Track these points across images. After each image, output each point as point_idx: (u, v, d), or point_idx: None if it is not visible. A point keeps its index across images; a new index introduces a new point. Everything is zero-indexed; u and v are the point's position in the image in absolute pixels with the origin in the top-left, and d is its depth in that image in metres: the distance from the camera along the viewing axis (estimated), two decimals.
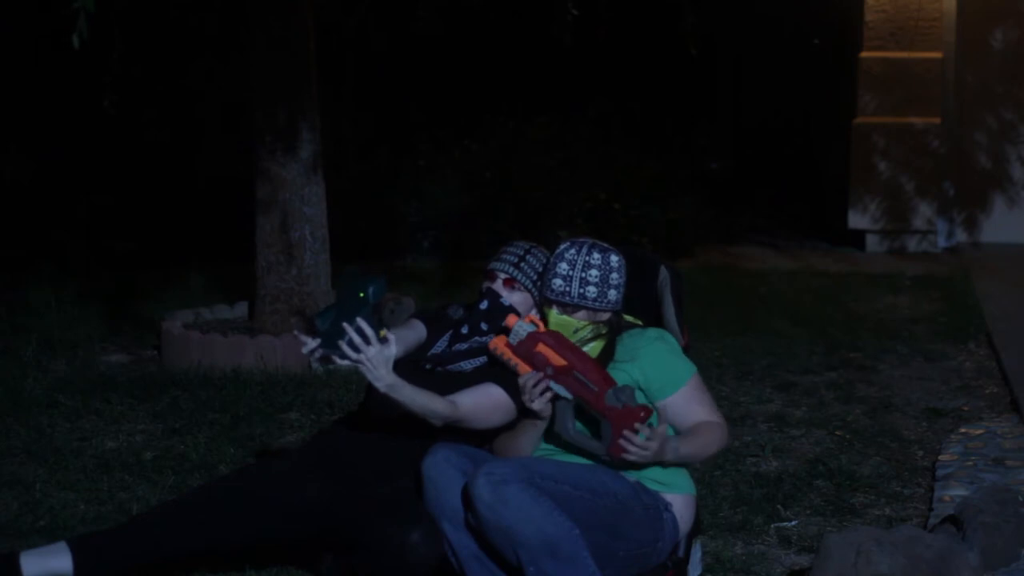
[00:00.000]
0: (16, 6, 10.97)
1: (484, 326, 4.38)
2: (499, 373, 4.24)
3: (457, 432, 4.20)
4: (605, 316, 4.23)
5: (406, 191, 10.87)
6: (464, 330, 4.41)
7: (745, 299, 9.21)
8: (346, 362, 4.00)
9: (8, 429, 6.32)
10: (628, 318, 4.32)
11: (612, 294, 4.21)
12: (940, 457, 5.99)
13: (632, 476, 4.15)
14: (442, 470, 4.07)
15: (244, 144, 8.13)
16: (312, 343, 4.06)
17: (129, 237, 10.94)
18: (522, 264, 4.40)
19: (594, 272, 4.19)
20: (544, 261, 4.38)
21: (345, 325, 3.97)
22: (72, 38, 4.79)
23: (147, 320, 8.20)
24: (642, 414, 4.01)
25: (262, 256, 7.56)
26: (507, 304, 4.38)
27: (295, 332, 4.24)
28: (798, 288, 9.60)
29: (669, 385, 4.16)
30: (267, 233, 7.53)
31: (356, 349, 3.97)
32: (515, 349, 4.11)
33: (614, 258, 4.24)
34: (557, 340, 4.08)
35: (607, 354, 4.20)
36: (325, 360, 4.07)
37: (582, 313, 4.21)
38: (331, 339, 4.02)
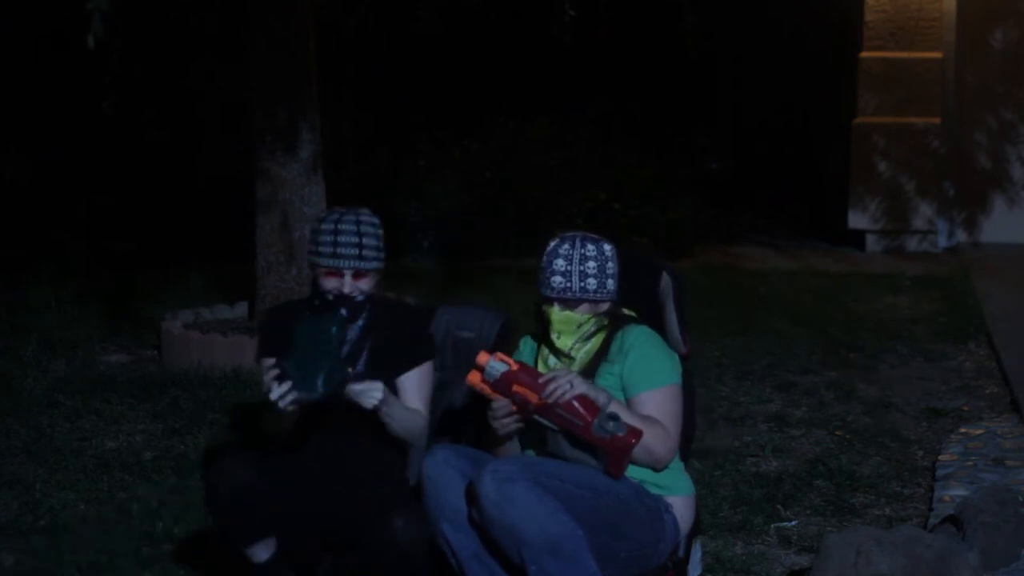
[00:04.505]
0: (17, 7, 10.97)
1: (348, 324, 4.29)
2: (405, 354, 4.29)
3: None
4: (606, 306, 4.22)
5: (406, 191, 10.86)
6: (346, 349, 4.30)
7: (745, 299, 9.21)
8: (313, 397, 3.97)
9: (8, 429, 6.32)
10: (624, 311, 4.29)
11: (610, 283, 4.20)
12: (940, 457, 5.99)
13: (634, 479, 4.14)
14: (441, 470, 4.07)
15: (244, 144, 8.13)
16: (281, 389, 3.94)
17: (129, 237, 10.94)
18: (365, 251, 4.29)
19: (592, 264, 4.18)
20: (318, 225, 4.27)
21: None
22: (87, 38, 4.78)
23: (147, 320, 8.20)
24: (633, 440, 3.98)
25: (262, 256, 7.56)
26: (361, 299, 4.30)
27: (267, 380, 4.01)
28: (798, 288, 9.60)
29: (645, 382, 4.13)
30: (267, 233, 7.53)
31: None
32: (493, 386, 4.06)
33: (607, 247, 4.22)
34: (531, 376, 4.03)
35: (601, 349, 4.18)
36: (296, 403, 3.98)
37: (584, 307, 4.19)
38: (306, 382, 3.96)
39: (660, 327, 4.38)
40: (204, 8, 11.47)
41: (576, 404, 3.97)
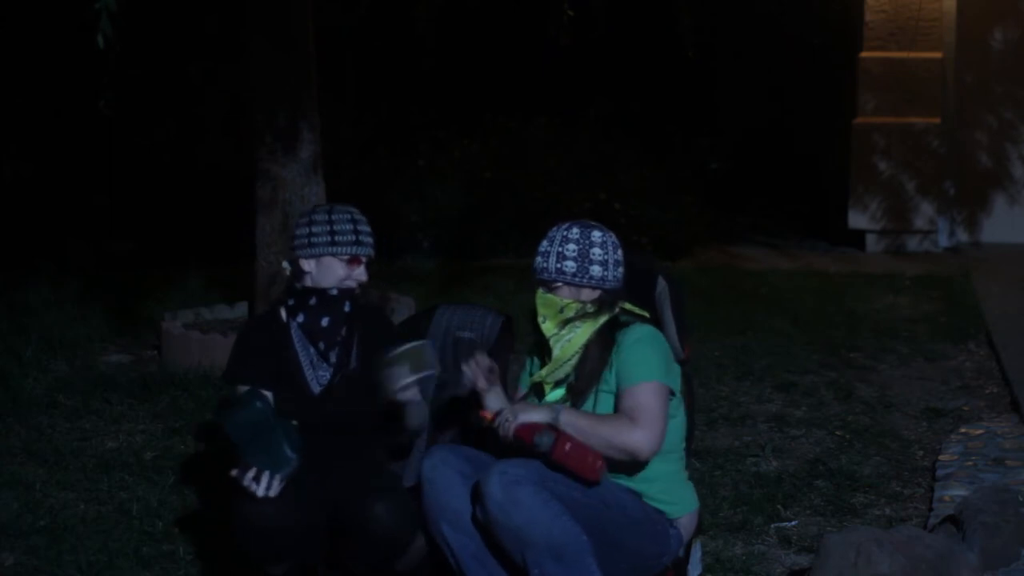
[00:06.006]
0: (17, 7, 10.97)
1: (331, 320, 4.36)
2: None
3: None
4: (592, 294, 4.14)
5: (406, 191, 10.87)
6: (322, 345, 4.35)
7: (745, 299, 9.21)
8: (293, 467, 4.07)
9: (8, 429, 6.32)
10: (631, 307, 4.22)
11: (595, 270, 4.12)
12: (940, 457, 5.99)
13: (649, 504, 4.12)
14: (440, 472, 4.07)
15: (244, 144, 8.12)
16: (264, 481, 4.03)
17: (129, 237, 10.94)
18: (373, 240, 4.36)
19: (572, 247, 4.11)
20: (327, 218, 4.32)
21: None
22: (97, 38, 4.78)
23: (147, 320, 8.20)
24: (564, 447, 3.95)
25: (262, 256, 7.56)
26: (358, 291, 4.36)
27: (245, 485, 4.06)
28: (798, 288, 9.60)
29: (625, 379, 4.06)
30: (267, 233, 7.52)
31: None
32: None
33: (596, 234, 4.14)
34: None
35: (604, 345, 4.10)
36: (283, 481, 4.07)
37: (565, 290, 4.13)
38: (278, 461, 4.06)
39: None
40: (204, 8, 11.47)
41: (523, 434, 4.00)
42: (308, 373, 4.33)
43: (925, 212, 11.10)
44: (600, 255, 4.13)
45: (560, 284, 4.13)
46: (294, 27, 7.44)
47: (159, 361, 7.52)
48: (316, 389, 4.32)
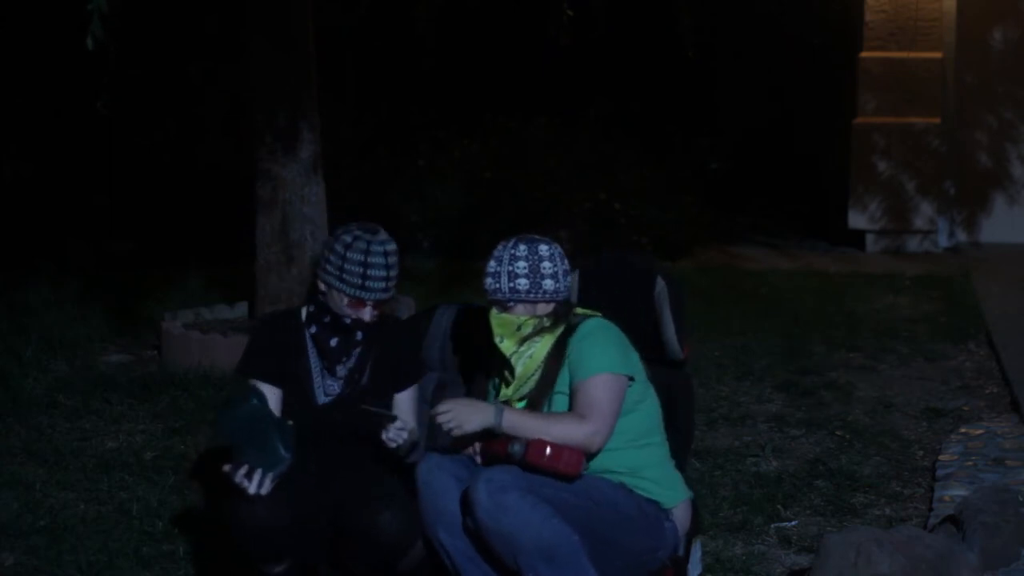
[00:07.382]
0: (16, 7, 10.97)
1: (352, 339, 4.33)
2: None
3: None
4: (547, 308, 4.14)
5: (406, 191, 10.86)
6: (350, 363, 4.34)
7: (745, 299, 9.21)
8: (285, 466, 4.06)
9: (8, 429, 6.32)
10: (582, 310, 4.21)
11: (548, 284, 4.11)
12: (940, 457, 5.99)
13: (640, 494, 4.12)
14: (436, 476, 4.06)
15: (244, 144, 8.12)
16: (256, 479, 4.02)
17: (129, 237, 10.93)
18: (390, 283, 4.28)
19: (521, 264, 4.10)
20: (342, 251, 4.23)
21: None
22: (87, 40, 4.77)
23: (147, 320, 8.20)
24: (543, 452, 3.97)
25: (262, 256, 7.56)
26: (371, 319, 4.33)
27: (237, 482, 4.04)
28: (798, 288, 9.60)
29: (577, 373, 4.06)
30: (267, 233, 7.53)
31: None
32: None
33: (543, 247, 4.14)
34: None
35: (559, 352, 4.11)
36: (275, 480, 4.05)
37: (520, 308, 4.13)
38: (271, 459, 4.04)
39: (656, 333, 4.34)
40: (204, 8, 11.47)
41: (495, 449, 4.03)
42: (316, 381, 4.31)
43: (925, 212, 11.09)
44: (550, 268, 4.13)
45: (514, 303, 4.13)
46: (294, 27, 7.44)
47: (159, 361, 7.53)
48: (321, 399, 4.31)
